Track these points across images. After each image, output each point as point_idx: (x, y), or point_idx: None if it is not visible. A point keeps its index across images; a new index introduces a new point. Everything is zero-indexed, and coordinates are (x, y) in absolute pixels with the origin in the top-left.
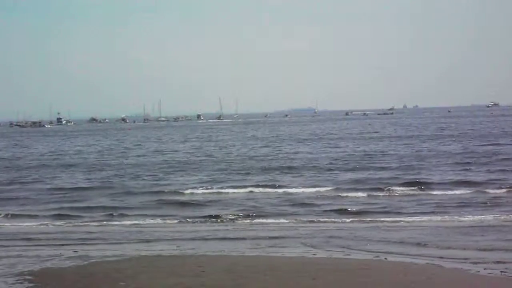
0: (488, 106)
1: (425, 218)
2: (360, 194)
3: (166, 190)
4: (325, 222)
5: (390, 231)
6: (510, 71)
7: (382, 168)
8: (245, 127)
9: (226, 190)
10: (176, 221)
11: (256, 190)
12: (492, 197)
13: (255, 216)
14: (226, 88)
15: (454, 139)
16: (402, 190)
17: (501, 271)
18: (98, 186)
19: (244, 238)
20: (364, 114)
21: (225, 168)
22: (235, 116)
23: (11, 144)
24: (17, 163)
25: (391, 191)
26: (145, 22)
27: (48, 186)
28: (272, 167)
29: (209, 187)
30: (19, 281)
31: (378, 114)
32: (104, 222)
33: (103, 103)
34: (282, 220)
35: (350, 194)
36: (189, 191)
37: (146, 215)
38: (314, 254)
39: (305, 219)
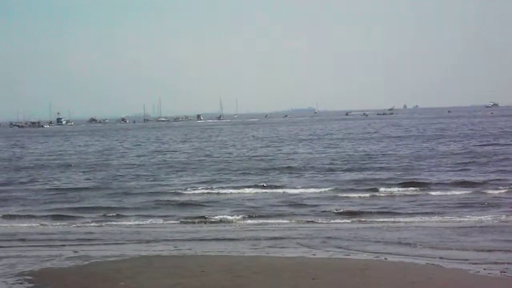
0: (488, 107)
1: (424, 218)
2: (359, 194)
3: (165, 191)
4: (324, 222)
5: (390, 232)
6: (510, 71)
7: (382, 169)
8: (245, 127)
9: (226, 191)
10: (175, 221)
11: (255, 190)
12: (491, 198)
13: (254, 216)
14: (226, 88)
15: (453, 139)
16: (401, 191)
17: (501, 271)
18: (98, 187)
19: (243, 239)
20: (364, 114)
21: (225, 168)
22: (235, 116)
23: (9, 144)
24: (16, 163)
25: (390, 192)
26: (145, 22)
27: (47, 187)
28: (272, 167)
29: (208, 187)
30: (19, 281)
31: (378, 114)
32: (104, 223)
33: (103, 103)
34: (281, 221)
35: (349, 195)
36: (188, 191)
37: (145, 216)
38: (314, 255)
39: (305, 220)
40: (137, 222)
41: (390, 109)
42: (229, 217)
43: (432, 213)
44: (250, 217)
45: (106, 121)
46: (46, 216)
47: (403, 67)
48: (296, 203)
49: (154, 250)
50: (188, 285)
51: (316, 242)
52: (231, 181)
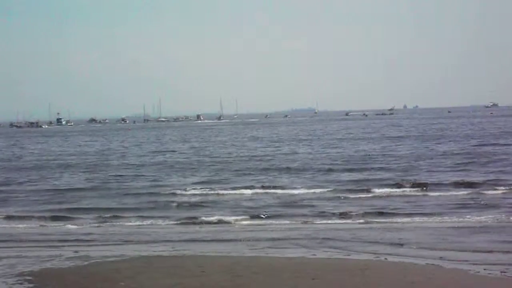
0: (487, 107)
1: (424, 218)
2: (359, 195)
3: (165, 191)
4: (324, 223)
5: (390, 232)
6: (510, 71)
7: (381, 169)
8: (244, 128)
9: (225, 191)
10: (175, 222)
11: (254, 191)
12: (491, 198)
13: (254, 217)
14: (226, 88)
15: (453, 139)
16: (401, 191)
17: (501, 272)
18: (97, 187)
19: (243, 239)
20: (364, 114)
21: (224, 168)
22: (235, 116)
23: (7, 144)
24: (15, 163)
25: (390, 192)
26: (145, 22)
27: (46, 187)
28: (271, 167)
29: (207, 188)
30: (19, 282)
31: (377, 114)
32: (103, 223)
33: (103, 103)
34: (281, 221)
35: (349, 195)
36: (187, 192)
37: (145, 216)
38: (313, 255)
39: (304, 220)
40: (137, 223)
41: (390, 109)
42: (228, 218)
43: (432, 214)
44: (250, 217)
45: (106, 121)
46: (46, 217)
47: (403, 67)
48: (296, 203)
49: (154, 251)
50: (188, 285)
51: (316, 242)
52: (230, 181)
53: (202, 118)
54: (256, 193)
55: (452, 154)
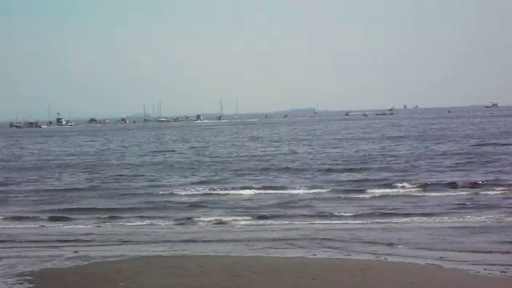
0: (487, 107)
1: (424, 219)
2: (359, 195)
3: (164, 191)
4: (324, 223)
5: (390, 232)
6: (510, 71)
7: (381, 169)
8: (244, 127)
9: (224, 191)
10: (174, 222)
11: (254, 191)
12: (491, 198)
13: (253, 217)
14: (226, 88)
15: (453, 139)
16: (400, 191)
17: (501, 272)
18: (97, 187)
19: (243, 239)
20: (364, 114)
21: (223, 168)
22: (235, 116)
23: (6, 144)
24: (14, 164)
25: (389, 192)
26: (145, 22)
27: (46, 187)
28: (271, 167)
29: (207, 188)
30: (19, 282)
31: (376, 114)
32: (103, 223)
33: (103, 103)
34: (281, 221)
35: (348, 195)
36: (187, 192)
37: (144, 217)
38: (313, 255)
39: (304, 220)
40: (136, 223)
41: (390, 109)
42: (228, 218)
43: (432, 214)
44: (249, 217)
45: (106, 121)
46: (46, 217)
47: (403, 67)
48: (295, 203)
49: (153, 251)
50: (188, 285)
51: (316, 242)
52: (230, 181)
53: (202, 118)
54: (256, 193)
55: (451, 154)
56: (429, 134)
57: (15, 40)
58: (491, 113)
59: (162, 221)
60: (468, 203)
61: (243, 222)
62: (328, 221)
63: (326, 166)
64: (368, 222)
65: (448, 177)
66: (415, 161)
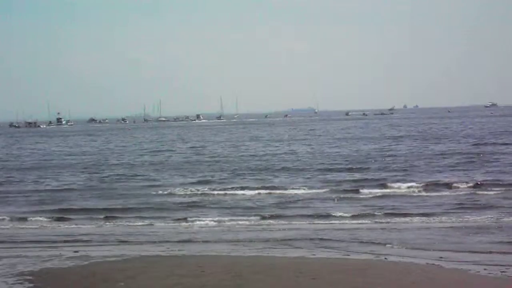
0: (487, 106)
1: (424, 218)
2: (358, 195)
3: (163, 191)
4: (324, 223)
5: (390, 232)
6: (509, 72)
7: (380, 169)
8: (244, 127)
9: (224, 191)
10: (174, 222)
11: (254, 191)
12: (490, 198)
13: (253, 216)
14: (226, 88)
15: (452, 139)
16: (400, 191)
17: (501, 271)
18: (96, 187)
19: (242, 239)
20: (364, 114)
21: (223, 168)
22: (236, 116)
23: (3, 145)
24: (13, 164)
25: (389, 192)
26: (145, 22)
27: (45, 187)
28: (271, 167)
29: (206, 188)
30: (19, 281)
31: (376, 114)
32: (103, 223)
33: (103, 103)
34: (281, 221)
35: (348, 195)
36: (186, 191)
37: (144, 216)
38: (314, 255)
39: (304, 220)
40: (136, 223)
41: (391, 109)
42: (227, 218)
43: (432, 214)
44: (249, 217)
45: (106, 121)
46: (46, 217)
47: (403, 67)
48: (295, 203)
49: (153, 251)
50: (188, 285)
51: (315, 242)
52: (229, 181)
53: (201, 118)
54: (255, 193)
55: (451, 154)
56: (429, 134)
57: (15, 40)
58: (491, 113)
59: (161, 221)
60: (467, 203)
61: (243, 222)
62: (327, 221)
63: (326, 166)
64: (368, 222)
65: (448, 177)
66: (414, 161)
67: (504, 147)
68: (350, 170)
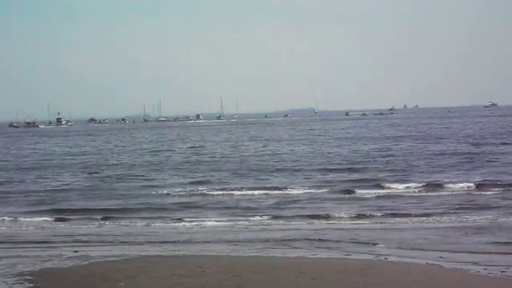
0: (486, 106)
1: (423, 218)
2: (358, 195)
3: (163, 191)
4: (323, 223)
5: (389, 232)
6: (509, 72)
7: (380, 169)
8: (244, 127)
9: (223, 191)
10: (174, 222)
11: (253, 191)
12: (490, 198)
13: (252, 217)
14: (226, 88)
15: (452, 139)
16: (400, 191)
17: (501, 271)
18: (96, 187)
19: (242, 239)
20: (364, 114)
21: (222, 168)
22: (236, 116)
23: (5, 145)
24: (12, 164)
25: (389, 192)
26: (145, 22)
27: (44, 187)
28: (270, 167)
29: (206, 187)
30: (19, 281)
31: (375, 114)
32: (102, 223)
33: (103, 103)
34: (280, 221)
35: (348, 195)
36: (186, 191)
37: (144, 217)
38: (314, 254)
39: (303, 220)
40: (136, 223)
41: (391, 109)
42: (227, 218)
43: (431, 214)
44: (248, 217)
45: (106, 121)
46: (45, 217)
47: (403, 67)
48: (295, 203)
49: (153, 251)
50: (188, 285)
51: (315, 242)
52: (228, 181)
53: (201, 118)
54: (255, 193)
55: (451, 154)
56: (429, 134)
57: (15, 40)
58: (491, 113)
59: (161, 221)
60: (467, 203)
61: (242, 222)
62: (327, 221)
63: (325, 166)
64: (368, 222)
65: (448, 177)
66: (414, 160)
67: (504, 147)
68: (349, 170)
